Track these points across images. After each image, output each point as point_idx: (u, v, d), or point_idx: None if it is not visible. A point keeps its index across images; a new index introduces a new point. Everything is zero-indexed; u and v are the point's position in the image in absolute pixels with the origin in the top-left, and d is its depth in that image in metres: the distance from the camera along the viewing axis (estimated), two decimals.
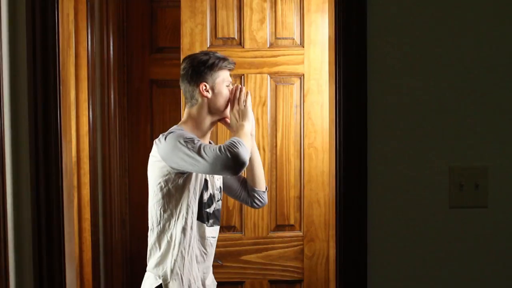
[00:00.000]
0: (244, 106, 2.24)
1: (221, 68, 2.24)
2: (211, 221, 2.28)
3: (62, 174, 1.83)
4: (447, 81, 1.83)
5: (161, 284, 2.18)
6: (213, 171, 2.08)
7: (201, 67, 2.22)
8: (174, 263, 2.17)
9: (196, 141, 2.09)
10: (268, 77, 2.95)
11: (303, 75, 2.95)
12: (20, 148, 1.80)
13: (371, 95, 1.82)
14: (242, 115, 2.24)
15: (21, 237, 1.81)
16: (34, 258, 1.81)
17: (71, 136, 2.01)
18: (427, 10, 1.82)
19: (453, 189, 1.84)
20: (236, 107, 2.25)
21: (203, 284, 2.28)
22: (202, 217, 2.24)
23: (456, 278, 1.87)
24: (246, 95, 2.26)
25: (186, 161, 2.07)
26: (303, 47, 2.95)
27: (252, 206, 2.44)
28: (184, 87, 2.26)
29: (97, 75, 3.17)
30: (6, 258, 1.73)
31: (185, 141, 2.09)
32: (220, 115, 2.28)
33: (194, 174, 2.18)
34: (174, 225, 2.18)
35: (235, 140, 2.08)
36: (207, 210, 2.26)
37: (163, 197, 2.18)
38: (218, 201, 2.33)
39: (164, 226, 2.19)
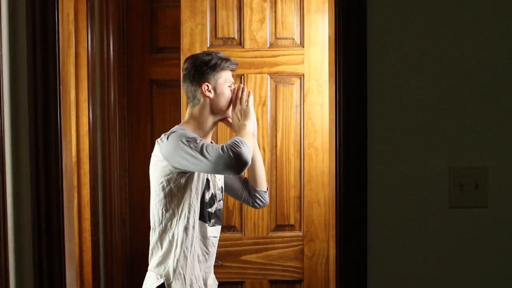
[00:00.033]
0: (246, 105, 2.25)
1: (223, 69, 2.24)
2: (212, 220, 2.28)
3: (62, 174, 1.83)
4: (447, 81, 1.83)
5: (162, 283, 2.18)
6: (216, 170, 2.08)
7: (204, 67, 2.22)
8: (177, 263, 2.18)
9: (198, 141, 2.10)
10: (268, 77, 2.95)
11: (303, 75, 2.95)
12: (20, 148, 1.80)
13: (371, 95, 1.82)
14: (244, 114, 2.24)
15: (21, 237, 1.81)
16: (34, 258, 1.81)
17: (71, 136, 2.02)
18: (427, 10, 1.82)
19: (453, 189, 1.84)
20: (238, 106, 2.25)
21: (205, 284, 2.28)
22: (204, 216, 2.24)
23: (456, 278, 1.87)
24: (248, 95, 2.27)
25: (188, 160, 2.08)
26: (303, 47, 2.95)
27: (254, 206, 2.45)
28: (186, 87, 2.27)
29: (97, 75, 3.17)
30: (6, 258, 1.73)
31: (187, 141, 2.09)
32: (222, 115, 2.28)
33: (196, 174, 2.18)
34: (176, 224, 2.18)
35: (237, 140, 2.09)
36: (209, 209, 2.26)
37: (165, 197, 2.18)
38: (219, 201, 2.33)
39: (166, 225, 2.20)
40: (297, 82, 2.96)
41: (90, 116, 3.04)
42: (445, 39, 1.82)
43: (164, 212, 2.19)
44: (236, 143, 2.07)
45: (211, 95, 2.23)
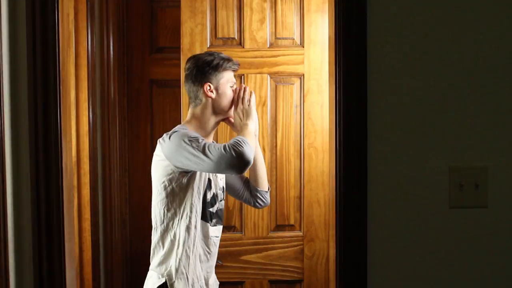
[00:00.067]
0: (248, 105, 2.25)
1: (225, 69, 2.25)
2: (214, 220, 2.29)
3: (62, 174, 1.83)
4: (447, 81, 1.83)
5: (163, 283, 2.18)
6: (218, 170, 2.09)
7: (206, 68, 2.23)
8: (179, 262, 2.18)
9: (200, 140, 2.10)
10: (268, 77, 2.95)
11: (303, 75, 2.95)
12: (20, 148, 1.80)
13: (371, 95, 1.82)
14: (246, 114, 2.25)
15: (21, 237, 1.81)
16: (34, 258, 1.81)
17: (71, 136, 2.02)
18: (427, 10, 1.82)
19: (453, 189, 1.84)
20: (240, 106, 2.26)
21: (207, 284, 2.28)
22: (206, 216, 2.25)
23: (456, 278, 1.87)
24: (250, 95, 2.27)
25: (190, 160, 2.08)
26: (303, 47, 2.95)
27: (255, 206, 2.45)
28: (188, 87, 2.27)
29: (97, 75, 3.17)
30: (6, 258, 1.73)
31: (189, 140, 2.09)
32: (224, 115, 2.29)
33: (198, 173, 2.18)
34: (177, 224, 2.18)
35: (239, 139, 2.09)
36: (210, 209, 2.27)
37: (166, 196, 2.18)
38: (221, 201, 2.34)
39: (167, 225, 2.20)
40: (297, 82, 2.96)
41: (90, 116, 3.04)
42: (445, 39, 1.82)
43: (165, 211, 2.19)
44: (238, 142, 2.07)
45: (213, 95, 2.24)
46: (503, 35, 1.82)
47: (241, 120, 2.25)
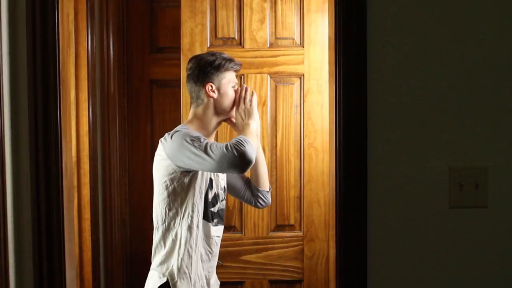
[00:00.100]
0: (250, 105, 2.25)
1: (227, 69, 2.25)
2: (215, 220, 2.29)
3: (62, 174, 1.83)
4: (447, 81, 1.83)
5: (165, 282, 2.18)
6: (220, 169, 2.09)
7: (208, 68, 2.23)
8: (181, 262, 2.18)
9: (202, 140, 2.10)
10: (268, 77, 2.95)
11: (303, 75, 2.95)
12: (20, 148, 1.80)
13: (371, 95, 1.82)
14: (248, 114, 2.25)
15: (21, 237, 1.81)
16: (34, 258, 1.81)
17: (71, 136, 2.01)
18: (427, 10, 1.82)
19: (453, 189, 1.84)
20: (242, 106, 2.26)
21: (208, 283, 2.29)
22: (207, 216, 2.25)
23: (456, 278, 1.87)
24: (252, 95, 2.27)
25: (192, 159, 2.08)
26: (303, 47, 2.95)
27: (256, 206, 2.45)
28: (190, 87, 2.27)
29: (97, 75, 3.17)
30: (6, 258, 1.73)
31: (191, 140, 2.09)
32: (225, 116, 2.29)
33: (200, 173, 2.19)
34: (179, 223, 2.19)
35: (241, 138, 2.09)
36: (212, 209, 2.27)
37: (168, 196, 2.18)
38: (222, 200, 2.34)
39: (169, 224, 2.20)
40: (297, 82, 2.96)
41: (90, 116, 3.04)
42: (445, 39, 1.82)
43: (167, 211, 2.19)
44: (240, 141, 2.07)
45: (215, 95, 2.24)
46: (503, 35, 1.82)
47: (242, 120, 2.25)
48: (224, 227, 2.88)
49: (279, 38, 2.96)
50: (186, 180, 2.16)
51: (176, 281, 2.17)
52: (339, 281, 1.89)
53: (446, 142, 1.84)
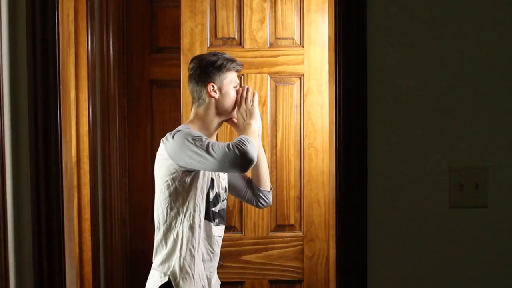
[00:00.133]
0: (252, 105, 2.26)
1: (229, 69, 2.25)
2: (217, 220, 2.29)
3: (62, 174, 1.83)
4: (447, 81, 1.83)
5: (166, 282, 2.18)
6: (222, 168, 2.09)
7: (209, 68, 2.23)
8: (183, 262, 2.18)
9: (204, 139, 2.10)
10: (268, 77, 2.95)
11: (303, 75, 2.95)
12: (20, 148, 1.80)
13: (371, 95, 1.82)
14: (250, 114, 2.25)
15: (21, 237, 1.81)
16: (34, 258, 1.81)
17: (71, 136, 2.02)
18: (427, 10, 1.82)
19: (453, 189, 1.84)
20: (243, 106, 2.26)
21: (209, 283, 2.29)
22: (209, 216, 2.25)
23: (456, 278, 1.87)
24: (253, 95, 2.27)
25: (194, 159, 2.08)
26: (303, 47, 2.95)
27: (257, 206, 2.45)
28: (191, 87, 2.28)
29: (97, 75, 3.17)
30: (6, 258, 1.73)
31: (193, 139, 2.09)
32: (227, 116, 2.29)
33: (201, 173, 2.19)
34: (180, 223, 2.19)
35: (243, 138, 2.09)
36: (213, 209, 2.27)
37: (170, 195, 2.18)
38: (223, 200, 2.34)
39: (170, 224, 2.20)
40: (297, 82, 2.96)
41: (90, 116, 3.04)
42: (445, 39, 1.82)
43: (168, 210, 2.19)
44: (242, 141, 2.07)
45: (217, 95, 2.24)
46: (503, 35, 1.82)
47: (244, 120, 2.25)
48: (225, 227, 2.89)
49: (279, 38, 2.96)
50: (188, 179, 2.17)
51: (179, 281, 2.18)
52: (339, 281, 1.89)
53: (446, 142, 1.84)
